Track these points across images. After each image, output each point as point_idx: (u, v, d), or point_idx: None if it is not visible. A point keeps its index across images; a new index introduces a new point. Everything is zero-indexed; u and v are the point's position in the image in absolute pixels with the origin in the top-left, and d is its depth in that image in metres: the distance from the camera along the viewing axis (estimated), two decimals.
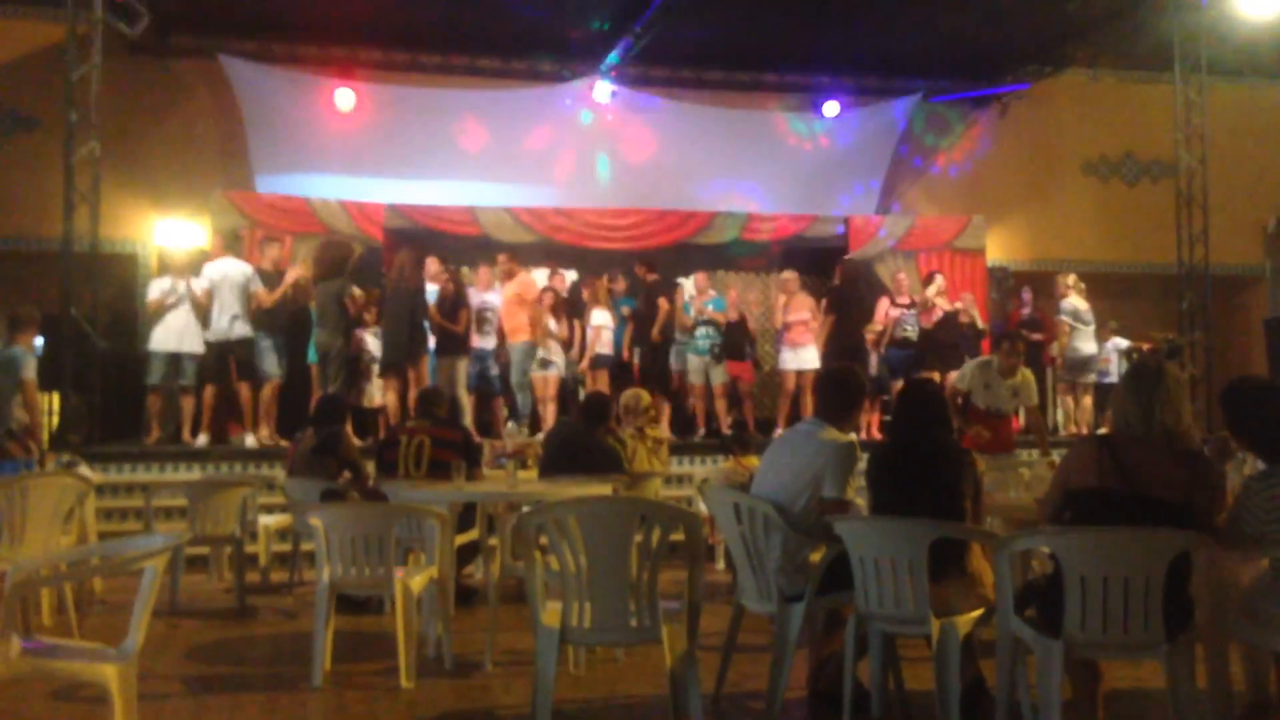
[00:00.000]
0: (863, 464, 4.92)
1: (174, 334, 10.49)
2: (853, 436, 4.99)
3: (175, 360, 10.51)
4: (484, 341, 11.49)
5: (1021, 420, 10.85)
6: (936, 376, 10.79)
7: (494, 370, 11.59)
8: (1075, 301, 12.57)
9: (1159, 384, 4.11)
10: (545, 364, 11.45)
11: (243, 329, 10.65)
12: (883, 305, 12.34)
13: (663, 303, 11.72)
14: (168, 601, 7.28)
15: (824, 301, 11.89)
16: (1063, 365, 12.78)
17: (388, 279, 11.08)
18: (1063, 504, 4.22)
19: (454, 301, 11.09)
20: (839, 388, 5.19)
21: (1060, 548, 4.00)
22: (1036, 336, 12.59)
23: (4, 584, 3.88)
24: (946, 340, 12.10)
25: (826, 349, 11.56)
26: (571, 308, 12.06)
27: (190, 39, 12.39)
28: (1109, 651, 4.06)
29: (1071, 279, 12.77)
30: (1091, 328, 12.61)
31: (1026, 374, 8.49)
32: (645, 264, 12.12)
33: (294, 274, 11.01)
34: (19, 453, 8.03)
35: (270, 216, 12.33)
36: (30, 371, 8.30)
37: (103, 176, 10.97)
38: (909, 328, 12.12)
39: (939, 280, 12.49)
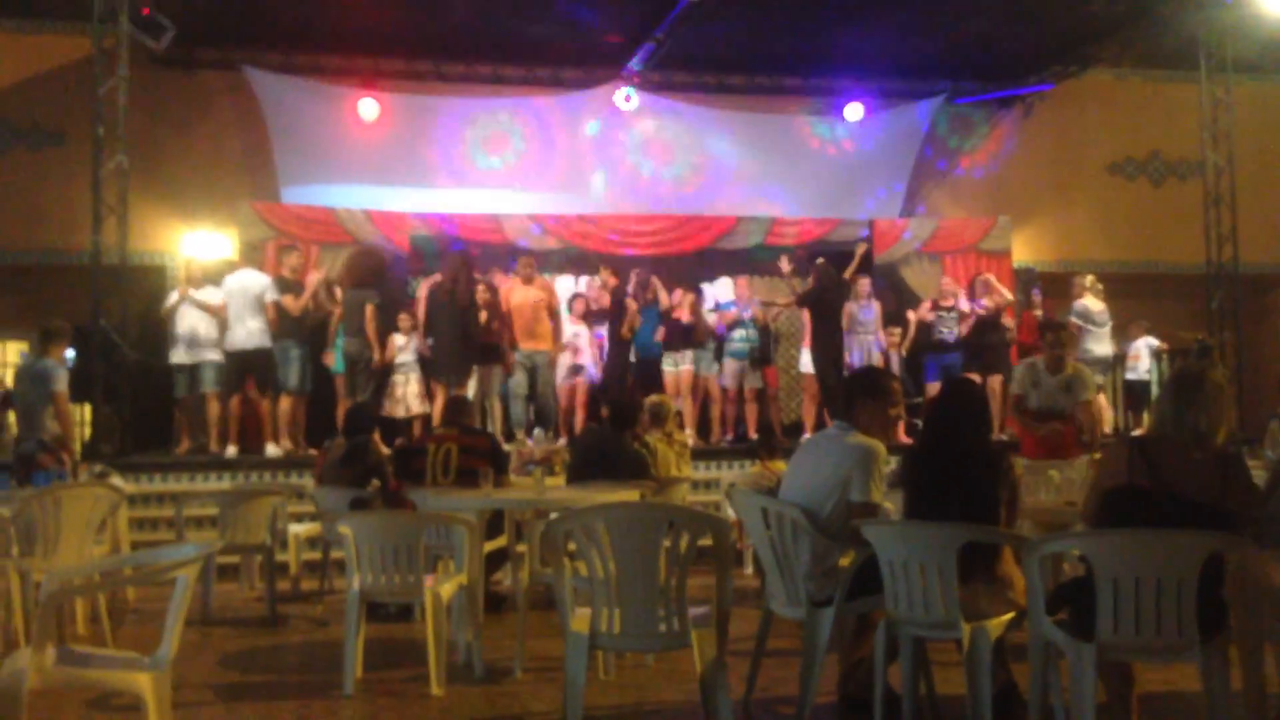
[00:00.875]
0: (891, 466, 4.90)
1: (184, 344, 10.59)
2: (876, 443, 4.88)
3: (193, 370, 10.60)
4: None
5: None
6: (976, 379, 10.65)
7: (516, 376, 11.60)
8: (1089, 303, 12.38)
9: (1198, 389, 4.11)
10: (577, 369, 11.48)
11: (261, 340, 10.66)
12: (923, 307, 12.26)
13: (629, 304, 11.57)
14: (200, 610, 7.33)
15: (794, 296, 11.84)
16: None
17: (439, 289, 11.02)
18: (1099, 505, 4.19)
19: (491, 313, 11.12)
20: (844, 386, 5.19)
21: (1091, 550, 3.97)
22: None
23: (39, 594, 3.91)
24: (982, 343, 11.97)
25: (812, 353, 11.55)
26: (598, 315, 12.05)
27: (215, 51, 12.51)
28: (1142, 654, 4.04)
29: (1089, 279, 12.60)
30: (1106, 329, 12.38)
31: (1078, 366, 8.38)
32: (609, 269, 12.09)
33: (315, 281, 10.93)
34: (51, 464, 8.10)
35: (297, 227, 12.40)
36: (62, 383, 8.40)
37: (130, 189, 11.06)
38: (944, 330, 12.04)
39: (989, 279, 12.34)
